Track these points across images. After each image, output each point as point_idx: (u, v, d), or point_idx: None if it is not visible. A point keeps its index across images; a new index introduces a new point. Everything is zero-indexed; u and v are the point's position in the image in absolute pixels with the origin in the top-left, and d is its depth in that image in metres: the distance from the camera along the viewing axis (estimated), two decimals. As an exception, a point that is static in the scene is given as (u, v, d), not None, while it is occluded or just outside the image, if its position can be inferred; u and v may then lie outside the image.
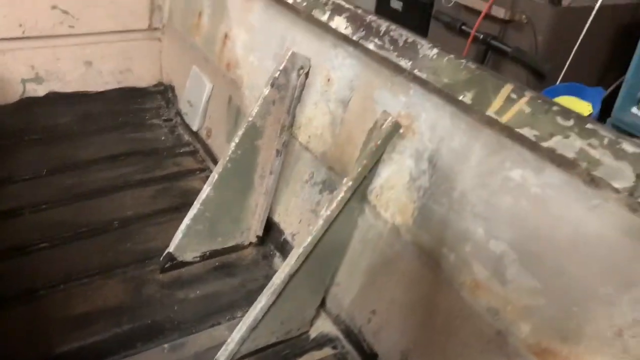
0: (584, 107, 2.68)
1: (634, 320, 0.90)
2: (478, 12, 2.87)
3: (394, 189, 1.37)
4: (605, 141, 0.88)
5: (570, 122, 0.92)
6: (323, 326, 1.54)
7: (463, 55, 2.90)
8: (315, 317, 1.53)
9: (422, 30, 3.29)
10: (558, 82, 2.89)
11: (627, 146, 0.85)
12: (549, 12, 2.67)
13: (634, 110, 2.73)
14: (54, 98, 2.30)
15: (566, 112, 0.93)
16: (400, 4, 3.67)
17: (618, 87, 2.71)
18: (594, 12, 2.64)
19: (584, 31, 2.67)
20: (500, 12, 2.78)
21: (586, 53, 2.82)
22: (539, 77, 2.88)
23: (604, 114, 2.78)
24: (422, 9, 3.44)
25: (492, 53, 2.93)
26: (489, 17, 2.83)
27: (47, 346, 1.40)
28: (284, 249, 1.74)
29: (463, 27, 2.97)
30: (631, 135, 2.66)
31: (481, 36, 2.87)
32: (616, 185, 0.85)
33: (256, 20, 1.89)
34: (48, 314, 1.48)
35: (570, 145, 0.91)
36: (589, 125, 0.90)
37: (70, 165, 2.04)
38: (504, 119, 1.01)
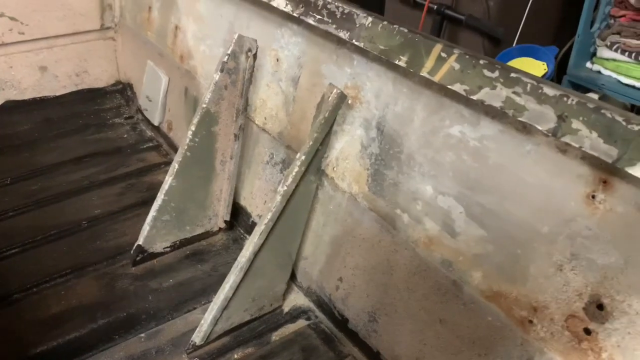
0: (539, 67, 2.73)
1: (572, 255, 0.95)
2: (430, -17, 2.90)
3: (348, 159, 1.40)
4: (528, 87, 0.92)
5: (496, 74, 0.96)
6: (296, 299, 1.58)
7: (420, 26, 2.93)
8: (288, 292, 1.58)
9: (379, 5, 3.32)
10: (514, 45, 2.94)
11: (548, 90, 0.90)
12: (498, -23, 2.71)
13: (588, 65, 2.81)
14: (11, 106, 2.28)
15: (492, 65, 0.97)
16: (356, -19, 3.71)
17: (572, 46, 2.77)
18: (541, -27, 2.69)
19: (533, -7, 2.72)
20: (451, -18, 2.82)
21: (538, 15, 2.87)
22: (495, 42, 2.93)
23: (560, 72, 2.85)
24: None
25: (447, 23, 2.97)
26: (441, -13, 2.87)
27: (25, 347, 1.41)
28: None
29: (417, 0, 3.00)
30: (587, 90, 2.73)
31: (435, 7, 2.90)
32: (540, 127, 0.90)
33: (204, 8, 1.90)
34: (23, 316, 1.49)
35: (497, 95, 0.95)
36: (512, 75, 0.94)
37: (34, 171, 2.03)
38: (437, 77, 1.05)
